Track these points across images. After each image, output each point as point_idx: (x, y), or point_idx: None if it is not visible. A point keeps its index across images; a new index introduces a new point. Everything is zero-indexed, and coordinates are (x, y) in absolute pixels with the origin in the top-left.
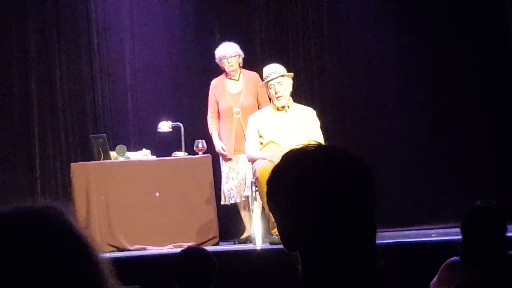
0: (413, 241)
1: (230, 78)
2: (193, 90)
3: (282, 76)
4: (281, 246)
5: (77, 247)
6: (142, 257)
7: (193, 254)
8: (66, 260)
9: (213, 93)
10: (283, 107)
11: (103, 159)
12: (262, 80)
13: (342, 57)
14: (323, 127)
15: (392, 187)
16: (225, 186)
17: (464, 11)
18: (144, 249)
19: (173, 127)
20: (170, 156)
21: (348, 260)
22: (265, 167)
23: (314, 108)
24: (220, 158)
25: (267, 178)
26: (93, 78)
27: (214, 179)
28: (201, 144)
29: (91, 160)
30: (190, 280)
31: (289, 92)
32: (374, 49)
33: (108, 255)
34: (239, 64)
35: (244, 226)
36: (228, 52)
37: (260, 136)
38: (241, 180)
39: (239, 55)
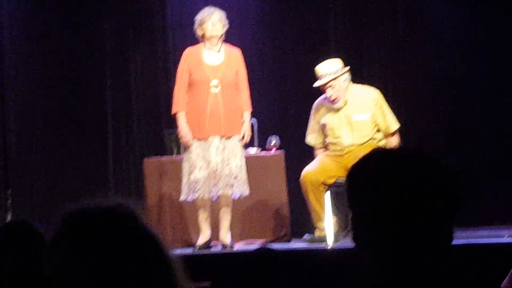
0: (484, 242)
1: (209, 49)
2: (267, 85)
3: (334, 79)
4: (344, 245)
5: (147, 245)
6: (213, 253)
7: (262, 256)
8: (136, 258)
9: (186, 62)
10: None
11: (176, 154)
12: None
13: (416, 54)
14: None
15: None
16: (189, 177)
17: None
18: (216, 245)
19: None
20: None
21: (420, 261)
22: (309, 170)
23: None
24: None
25: (351, 169)
26: (167, 73)
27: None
28: (274, 140)
29: (165, 155)
30: (256, 281)
31: (344, 89)
32: (447, 45)
33: (180, 251)
34: (222, 35)
35: (200, 229)
36: (215, 15)
37: (323, 133)
38: (211, 172)
39: (225, 24)
